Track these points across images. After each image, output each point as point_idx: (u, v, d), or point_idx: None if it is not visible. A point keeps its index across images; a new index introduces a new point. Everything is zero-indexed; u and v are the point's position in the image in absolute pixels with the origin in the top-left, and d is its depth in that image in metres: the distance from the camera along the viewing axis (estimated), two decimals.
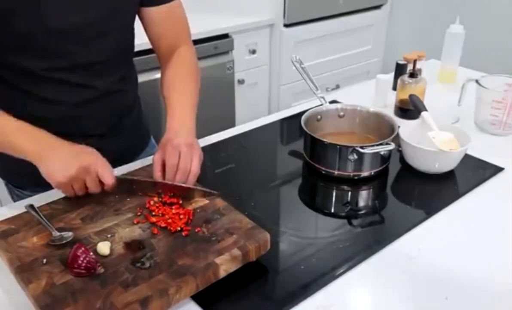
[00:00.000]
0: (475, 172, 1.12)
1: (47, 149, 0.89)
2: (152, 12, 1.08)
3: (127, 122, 1.19)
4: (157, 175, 0.95)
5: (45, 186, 0.99)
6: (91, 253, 0.77)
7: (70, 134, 0.94)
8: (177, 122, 1.01)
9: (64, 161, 0.87)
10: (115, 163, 1.00)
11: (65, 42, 0.96)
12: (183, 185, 0.93)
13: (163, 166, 0.95)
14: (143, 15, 1.09)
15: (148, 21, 1.10)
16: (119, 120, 1.16)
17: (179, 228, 0.85)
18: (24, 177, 1.13)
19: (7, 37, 0.90)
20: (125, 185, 0.95)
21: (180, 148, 0.94)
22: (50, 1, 0.91)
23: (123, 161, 1.14)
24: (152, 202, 0.91)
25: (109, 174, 0.90)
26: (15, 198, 1.17)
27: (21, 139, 0.90)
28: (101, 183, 0.91)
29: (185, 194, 0.93)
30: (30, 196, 1.05)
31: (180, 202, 0.92)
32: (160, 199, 0.92)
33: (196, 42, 2.05)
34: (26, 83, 0.99)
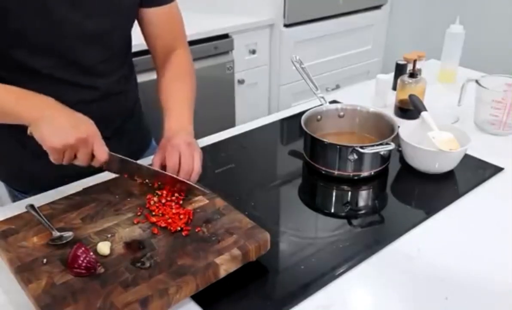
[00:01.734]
0: (475, 172, 1.12)
1: (43, 111, 0.86)
2: (151, 13, 1.08)
3: (129, 125, 1.19)
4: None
5: (48, 190, 0.99)
6: (91, 253, 0.77)
7: None
8: (175, 124, 1.01)
9: (63, 127, 0.84)
10: None
11: (65, 41, 0.96)
12: (180, 178, 0.93)
13: (163, 167, 0.95)
14: (141, 16, 1.09)
15: (146, 21, 1.10)
16: (122, 123, 1.16)
17: (179, 228, 0.85)
18: (26, 181, 1.13)
19: (7, 35, 0.90)
20: (117, 164, 0.93)
21: (180, 147, 0.94)
22: (56, 1, 0.91)
23: None
24: (152, 202, 0.91)
25: (104, 150, 0.88)
26: (15, 198, 1.17)
27: (16, 101, 0.87)
28: (92, 157, 0.88)
29: (188, 188, 0.93)
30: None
31: (181, 202, 0.92)
32: (159, 196, 0.93)
33: (196, 42, 2.07)
34: (25, 83, 0.98)
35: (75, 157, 0.87)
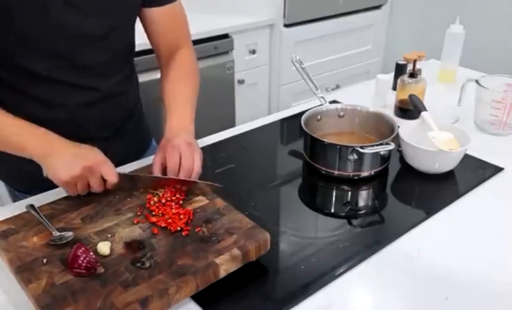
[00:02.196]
0: (475, 172, 1.12)
1: (51, 148, 0.90)
2: (154, 12, 1.08)
3: (130, 125, 1.19)
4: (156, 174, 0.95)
5: (48, 190, 0.99)
6: (91, 253, 0.77)
7: (72, 137, 0.93)
8: (176, 124, 1.02)
9: (69, 160, 0.88)
10: (117, 166, 0.99)
11: (65, 43, 0.96)
12: (187, 179, 0.93)
13: (163, 166, 0.95)
14: (144, 15, 1.09)
15: (149, 21, 1.10)
16: (122, 123, 1.16)
17: (179, 228, 0.85)
18: (26, 181, 1.13)
19: (7, 35, 0.90)
20: (128, 182, 0.95)
21: (180, 147, 0.95)
22: (56, 3, 0.91)
23: (125, 164, 1.14)
24: (152, 202, 0.91)
25: (113, 173, 0.91)
26: (15, 198, 1.17)
27: (24, 137, 0.90)
28: (103, 181, 0.91)
29: (188, 188, 0.94)
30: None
31: (181, 202, 0.92)
32: (159, 196, 0.93)
33: (196, 42, 2.06)
34: (26, 85, 0.98)
35: (89, 186, 0.91)
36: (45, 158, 0.89)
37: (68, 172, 0.87)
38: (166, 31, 1.12)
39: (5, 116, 0.91)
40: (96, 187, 0.91)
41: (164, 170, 0.96)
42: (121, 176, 0.93)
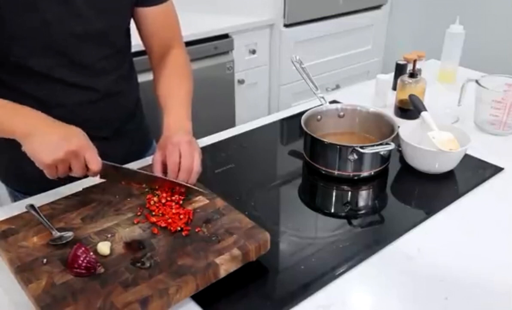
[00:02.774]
0: (475, 172, 1.12)
1: (34, 127, 0.86)
2: (146, 12, 1.08)
3: (130, 125, 1.19)
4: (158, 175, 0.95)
5: (48, 190, 0.99)
6: (91, 253, 0.77)
7: None
8: (174, 122, 1.02)
9: (53, 142, 0.84)
10: None
11: (60, 40, 0.95)
12: (182, 182, 0.93)
13: (164, 165, 0.95)
14: (137, 15, 1.09)
15: (142, 21, 1.10)
16: (122, 124, 1.16)
17: (179, 228, 0.85)
18: (26, 181, 1.13)
19: (2, 34, 0.90)
20: (112, 173, 0.93)
21: (180, 146, 0.94)
22: (46, 0, 0.91)
23: (126, 164, 1.14)
24: (152, 202, 0.91)
25: (96, 160, 0.88)
26: (15, 198, 1.17)
27: (7, 115, 0.87)
28: (86, 167, 0.88)
29: (182, 191, 0.94)
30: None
31: (181, 202, 0.92)
32: (159, 196, 0.93)
33: (196, 42, 2.07)
34: (23, 84, 0.98)
35: (70, 169, 0.87)
36: (27, 137, 0.85)
37: (51, 155, 0.83)
38: (158, 31, 1.12)
39: None
40: (78, 171, 0.87)
41: (165, 169, 0.96)
42: (104, 165, 0.90)
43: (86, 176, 0.91)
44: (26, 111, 0.88)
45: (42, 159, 0.84)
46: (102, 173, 0.91)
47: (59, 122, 0.88)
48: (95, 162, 0.88)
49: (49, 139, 0.84)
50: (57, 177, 0.88)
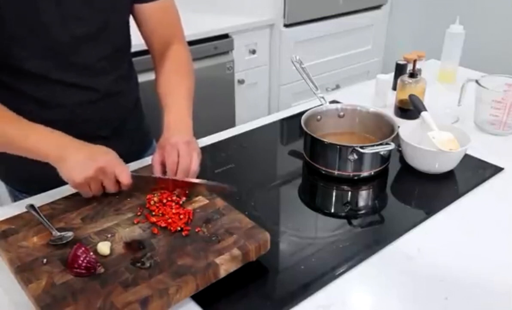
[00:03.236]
0: (475, 172, 1.12)
1: (65, 151, 0.89)
2: (145, 8, 1.08)
3: (130, 125, 1.19)
4: (158, 175, 0.95)
5: (48, 190, 0.99)
6: (91, 253, 0.77)
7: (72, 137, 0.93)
8: (174, 120, 1.02)
9: (82, 162, 0.88)
10: None
11: (59, 41, 0.95)
12: (194, 180, 0.94)
13: (163, 165, 0.95)
14: (136, 12, 1.09)
15: (141, 18, 1.10)
16: (122, 123, 1.16)
17: (179, 228, 0.85)
18: (26, 181, 1.13)
19: (2, 35, 0.90)
20: (140, 183, 0.95)
21: (179, 146, 0.95)
22: (44, 1, 0.91)
23: (126, 164, 1.14)
24: (152, 202, 0.91)
25: (126, 174, 0.91)
26: (15, 198, 1.17)
27: (39, 140, 0.90)
28: (117, 182, 0.91)
29: (192, 188, 0.94)
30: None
31: (181, 202, 0.92)
32: (160, 196, 0.93)
33: (196, 42, 2.07)
34: (23, 85, 0.98)
35: (104, 187, 0.91)
36: (60, 162, 0.88)
37: (81, 173, 0.87)
38: (158, 27, 1.12)
39: (19, 119, 0.91)
40: (110, 187, 0.91)
41: (164, 169, 0.96)
42: (134, 177, 0.93)
43: (120, 191, 0.93)
44: (56, 136, 0.91)
45: (74, 178, 0.88)
46: (133, 185, 0.93)
47: (87, 143, 0.92)
48: (124, 176, 0.91)
49: (77, 159, 0.88)
50: (93, 195, 0.91)
